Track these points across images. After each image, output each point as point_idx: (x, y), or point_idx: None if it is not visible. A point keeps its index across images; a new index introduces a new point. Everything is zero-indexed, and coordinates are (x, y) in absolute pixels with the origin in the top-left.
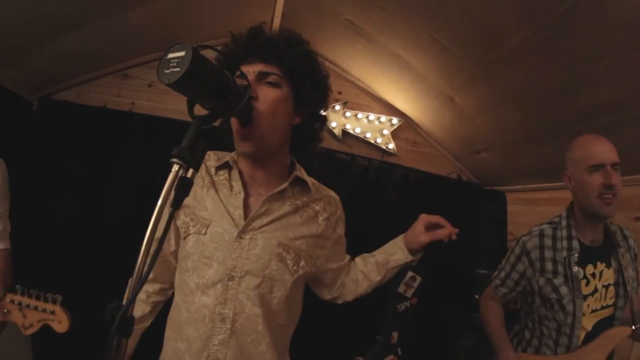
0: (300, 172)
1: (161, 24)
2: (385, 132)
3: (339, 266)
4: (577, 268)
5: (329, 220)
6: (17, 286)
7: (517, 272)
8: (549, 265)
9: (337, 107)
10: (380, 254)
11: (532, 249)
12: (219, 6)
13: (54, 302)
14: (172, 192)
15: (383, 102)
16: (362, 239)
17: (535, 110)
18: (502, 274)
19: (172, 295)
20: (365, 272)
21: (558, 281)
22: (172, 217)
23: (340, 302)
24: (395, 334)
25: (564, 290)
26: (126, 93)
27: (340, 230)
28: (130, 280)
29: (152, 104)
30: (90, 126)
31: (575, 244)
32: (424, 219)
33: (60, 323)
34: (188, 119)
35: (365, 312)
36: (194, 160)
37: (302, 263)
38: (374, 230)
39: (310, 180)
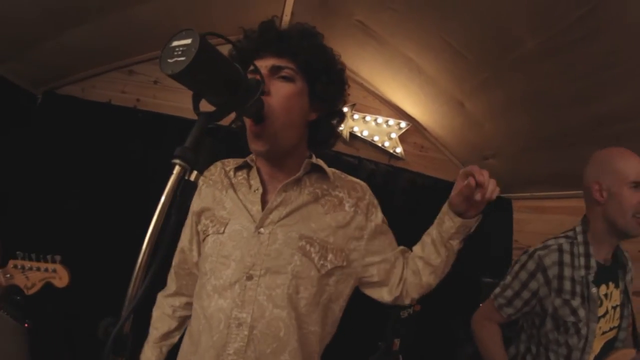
0: (316, 160)
1: (168, 19)
2: (393, 135)
3: (384, 258)
4: (595, 289)
5: (357, 206)
6: (18, 252)
7: (529, 290)
8: (567, 285)
9: (345, 109)
10: (431, 233)
11: (550, 266)
12: (228, 4)
13: (54, 261)
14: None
15: (392, 105)
16: None
17: (546, 117)
18: (509, 293)
19: None
20: (425, 257)
21: (576, 303)
22: (177, 224)
23: (407, 301)
24: (397, 341)
25: (582, 312)
26: (131, 89)
27: (376, 218)
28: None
29: (157, 101)
30: (94, 122)
31: (593, 262)
32: (462, 173)
33: (61, 279)
34: (194, 117)
35: (367, 318)
36: (198, 161)
37: (329, 257)
38: None
39: (330, 170)
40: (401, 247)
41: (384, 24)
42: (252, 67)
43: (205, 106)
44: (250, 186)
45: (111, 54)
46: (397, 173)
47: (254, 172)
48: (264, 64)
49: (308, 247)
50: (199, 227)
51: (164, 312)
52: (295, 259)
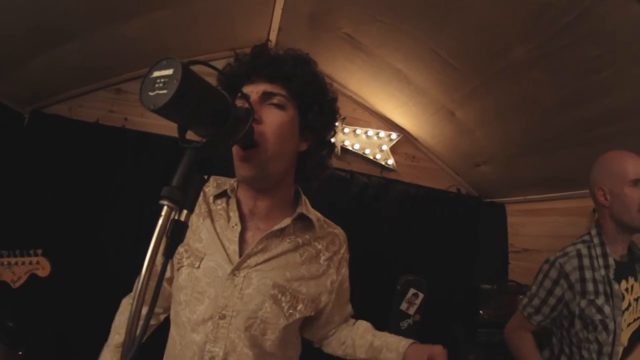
0: (306, 208)
1: (155, 36)
2: (385, 147)
3: (341, 318)
4: (617, 286)
5: (331, 260)
6: (3, 251)
7: (554, 297)
8: (590, 286)
9: (336, 124)
10: (379, 340)
11: (571, 271)
12: (215, 19)
13: (36, 254)
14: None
15: (381, 117)
16: (363, 257)
17: (536, 122)
18: (536, 301)
19: (166, 322)
20: (356, 343)
21: (600, 301)
22: (165, 269)
23: (317, 346)
24: None
25: (607, 309)
26: (119, 108)
27: (344, 271)
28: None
29: (145, 120)
30: (82, 142)
31: (611, 260)
32: (435, 350)
33: (44, 269)
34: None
35: None
36: (187, 200)
37: (299, 307)
38: (375, 248)
39: (315, 216)
40: (349, 309)
41: (372, 36)
42: (239, 94)
43: (192, 136)
44: (228, 219)
45: (98, 72)
46: (389, 185)
47: (233, 204)
48: (255, 89)
49: (279, 295)
50: None
51: (127, 318)
52: (265, 305)
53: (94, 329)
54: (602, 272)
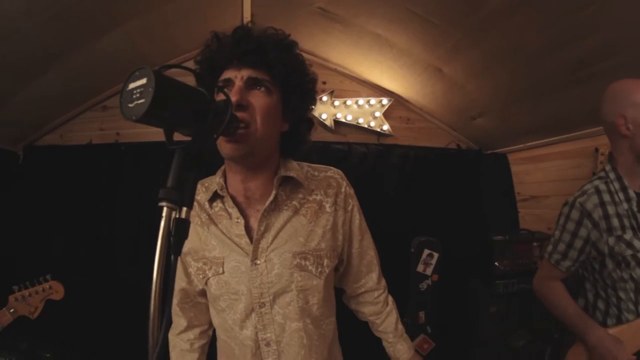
0: (285, 169)
1: (131, 48)
2: (377, 114)
3: (366, 269)
4: None
5: (336, 203)
6: (14, 287)
7: (580, 238)
8: (615, 222)
9: (325, 98)
10: (389, 341)
11: (592, 209)
12: (185, 19)
13: (47, 280)
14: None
15: (370, 85)
16: (372, 226)
17: (525, 68)
18: (561, 247)
19: (214, 333)
20: (383, 329)
21: (628, 236)
22: (176, 266)
23: (352, 306)
24: (422, 314)
25: (637, 243)
26: (109, 125)
27: (352, 208)
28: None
29: (137, 130)
30: (79, 165)
31: (632, 193)
32: None
33: (58, 292)
34: (177, 138)
35: None
36: (185, 198)
37: (325, 262)
38: (383, 215)
39: (298, 171)
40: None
41: (346, 5)
42: (221, 84)
43: (179, 136)
44: (230, 216)
45: (82, 94)
46: (388, 150)
47: (229, 201)
48: (239, 75)
49: (303, 262)
50: (191, 270)
51: (182, 349)
52: (295, 276)
53: (119, 343)
54: (625, 205)
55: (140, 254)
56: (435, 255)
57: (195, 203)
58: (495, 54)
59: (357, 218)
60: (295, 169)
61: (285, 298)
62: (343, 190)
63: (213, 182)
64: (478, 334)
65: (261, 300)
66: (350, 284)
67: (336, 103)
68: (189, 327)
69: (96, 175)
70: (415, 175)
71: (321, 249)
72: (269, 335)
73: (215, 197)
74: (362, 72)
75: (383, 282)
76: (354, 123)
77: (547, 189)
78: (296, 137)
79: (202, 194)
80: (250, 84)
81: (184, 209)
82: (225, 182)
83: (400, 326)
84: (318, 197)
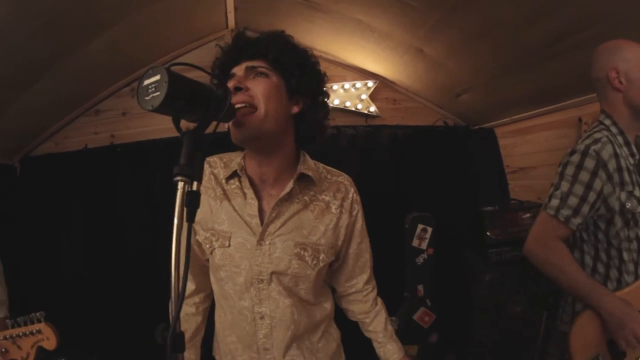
0: (304, 166)
1: (119, 51)
2: (364, 96)
3: (359, 269)
4: None
5: (342, 206)
6: (8, 321)
7: (594, 191)
8: (626, 176)
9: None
10: (378, 341)
11: (608, 159)
12: (170, 19)
13: (39, 320)
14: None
15: (355, 69)
16: (366, 206)
17: (504, 43)
18: (573, 200)
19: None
20: (373, 328)
21: (638, 192)
22: (190, 231)
23: (343, 305)
24: (420, 287)
25: None
26: (103, 128)
27: (357, 213)
28: (169, 302)
29: (130, 131)
30: (76, 170)
31: (634, 148)
32: None
33: (49, 339)
34: (170, 134)
35: (386, 274)
36: (195, 174)
37: (321, 256)
38: (375, 195)
39: (314, 171)
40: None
41: None
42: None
43: (185, 124)
44: (244, 195)
45: (73, 100)
46: (376, 131)
47: (246, 182)
48: (239, 68)
49: (302, 252)
50: (199, 238)
51: (187, 314)
52: (292, 263)
53: (133, 338)
54: (631, 160)
55: (143, 252)
56: (429, 229)
57: (212, 176)
58: (474, 32)
59: (360, 222)
60: (312, 168)
61: (281, 279)
62: (350, 196)
63: (233, 161)
64: (476, 303)
65: (260, 277)
66: (342, 282)
67: (327, 91)
68: (196, 291)
69: (94, 178)
70: (404, 153)
71: (320, 244)
72: (264, 309)
73: (233, 175)
74: (346, 57)
75: (373, 282)
76: (342, 107)
77: (535, 160)
78: (308, 120)
79: (220, 169)
80: (250, 72)
81: (195, 182)
82: (244, 163)
83: (389, 327)
84: (327, 198)
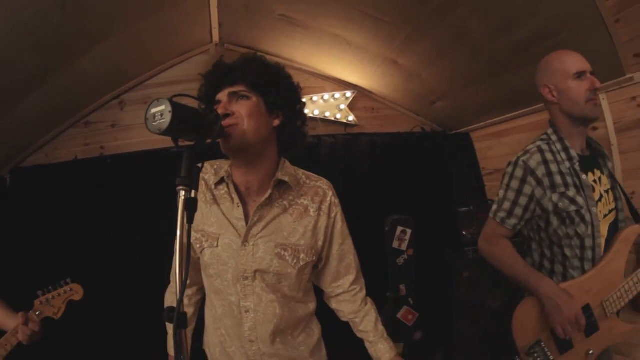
0: (282, 173)
1: (109, 64)
2: (342, 106)
3: (339, 254)
4: (584, 176)
5: (320, 209)
6: (38, 292)
7: (524, 195)
8: (558, 179)
9: (299, 98)
10: (369, 341)
11: (536, 167)
12: (158, 33)
13: (67, 283)
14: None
15: (333, 80)
16: (347, 212)
17: (474, 53)
18: (507, 204)
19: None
20: (363, 328)
21: (571, 193)
22: (190, 230)
23: (333, 305)
24: (402, 287)
25: (580, 200)
26: (93, 139)
27: (336, 215)
28: (176, 285)
29: (120, 142)
30: (67, 181)
31: (573, 153)
32: None
33: (78, 293)
34: (157, 146)
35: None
36: (193, 183)
37: (301, 256)
38: (356, 200)
39: (293, 176)
40: (363, 284)
41: (304, 11)
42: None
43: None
44: (232, 200)
45: (64, 113)
46: (355, 139)
47: (232, 188)
48: (223, 94)
49: (283, 252)
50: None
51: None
52: (274, 262)
53: (124, 349)
54: (567, 164)
55: (135, 260)
56: (409, 231)
57: (203, 182)
58: (444, 44)
59: (340, 224)
60: (291, 174)
61: (264, 276)
62: (328, 199)
63: (222, 169)
64: (456, 299)
65: (245, 275)
66: (329, 283)
67: (303, 100)
68: (189, 285)
69: (84, 189)
70: (384, 159)
71: (300, 245)
72: (248, 304)
73: (221, 181)
74: (325, 69)
75: (361, 283)
76: (322, 117)
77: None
78: (289, 129)
79: (210, 175)
80: (233, 97)
81: (193, 191)
82: (231, 171)
83: (380, 326)
84: (305, 202)
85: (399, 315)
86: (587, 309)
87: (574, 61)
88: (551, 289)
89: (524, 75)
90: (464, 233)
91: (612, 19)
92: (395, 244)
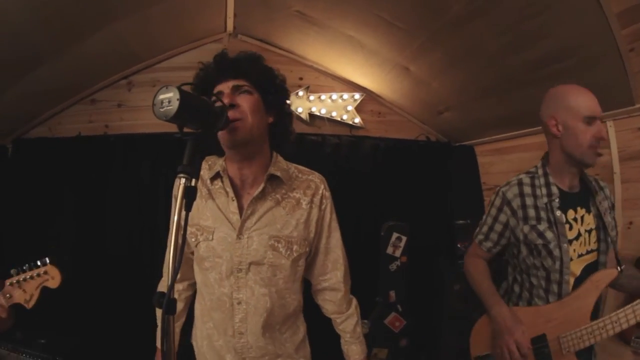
0: (275, 167)
1: (120, 46)
2: (350, 108)
3: (325, 247)
4: (559, 212)
5: (312, 202)
6: (12, 270)
7: (500, 223)
8: (531, 212)
9: (301, 93)
10: (345, 340)
11: (512, 198)
12: (173, 18)
13: (44, 264)
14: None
15: (343, 80)
16: (345, 213)
17: (485, 68)
18: (485, 228)
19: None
20: (342, 328)
21: (542, 227)
22: (187, 219)
23: (318, 301)
24: (392, 293)
25: (549, 235)
26: (97, 117)
27: (326, 207)
28: (168, 275)
29: (124, 122)
30: (68, 157)
31: (554, 189)
32: None
33: (54, 278)
34: (161, 130)
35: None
36: (195, 172)
37: (295, 247)
38: (355, 203)
39: (285, 171)
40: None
41: (321, 9)
42: (214, 98)
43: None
44: (227, 194)
45: (71, 88)
46: (359, 142)
47: (227, 182)
48: (226, 86)
49: (276, 244)
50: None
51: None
52: (268, 254)
53: (116, 326)
54: (545, 199)
55: (132, 243)
56: (404, 238)
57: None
58: (456, 55)
59: (328, 217)
60: (283, 168)
61: (259, 269)
62: (320, 192)
63: (216, 164)
64: (445, 310)
65: (239, 267)
66: (316, 276)
67: (311, 97)
68: (180, 280)
69: (85, 165)
70: (386, 164)
71: (292, 237)
72: (241, 295)
73: (216, 176)
74: (336, 69)
75: (348, 283)
76: (328, 116)
77: (510, 178)
78: (281, 127)
79: (205, 171)
80: (236, 90)
81: (193, 179)
82: (226, 166)
83: (358, 329)
84: (297, 195)
85: (386, 321)
86: (542, 338)
87: (588, 104)
88: (500, 313)
89: (533, 95)
90: (458, 245)
91: (626, 48)
92: (390, 250)
